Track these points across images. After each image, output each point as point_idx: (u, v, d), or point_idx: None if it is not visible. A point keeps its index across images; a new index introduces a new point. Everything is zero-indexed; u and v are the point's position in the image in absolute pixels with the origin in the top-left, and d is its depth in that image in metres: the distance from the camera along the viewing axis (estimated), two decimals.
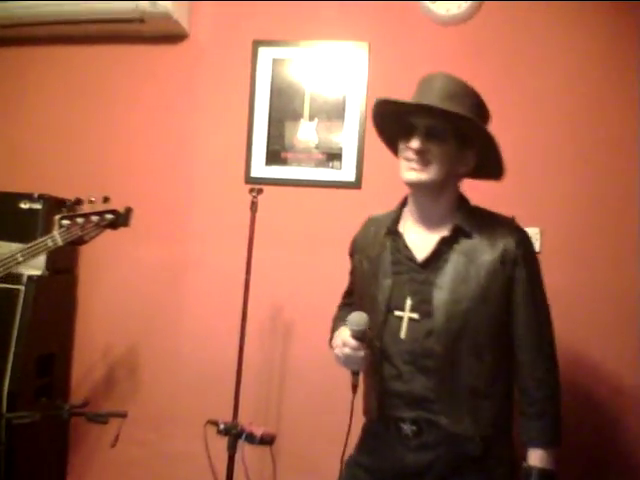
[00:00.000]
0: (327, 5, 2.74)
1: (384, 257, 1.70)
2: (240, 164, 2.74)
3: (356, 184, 2.64)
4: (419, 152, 1.60)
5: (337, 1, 2.72)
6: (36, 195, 2.58)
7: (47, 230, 1.90)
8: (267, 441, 2.13)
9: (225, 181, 2.76)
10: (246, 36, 2.78)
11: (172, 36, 2.84)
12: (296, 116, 2.73)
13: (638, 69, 2.45)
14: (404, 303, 1.62)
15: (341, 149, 2.67)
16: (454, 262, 1.62)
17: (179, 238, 2.79)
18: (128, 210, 1.93)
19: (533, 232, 2.39)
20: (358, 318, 1.56)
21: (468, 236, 1.64)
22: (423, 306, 1.61)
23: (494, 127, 2.73)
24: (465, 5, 2.59)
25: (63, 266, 2.73)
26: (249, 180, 2.70)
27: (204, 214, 2.78)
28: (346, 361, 1.61)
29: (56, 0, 2.71)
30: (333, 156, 2.68)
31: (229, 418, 2.21)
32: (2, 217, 2.57)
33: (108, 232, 2.41)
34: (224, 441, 2.17)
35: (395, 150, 1.72)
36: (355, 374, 1.60)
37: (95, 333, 2.80)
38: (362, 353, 1.58)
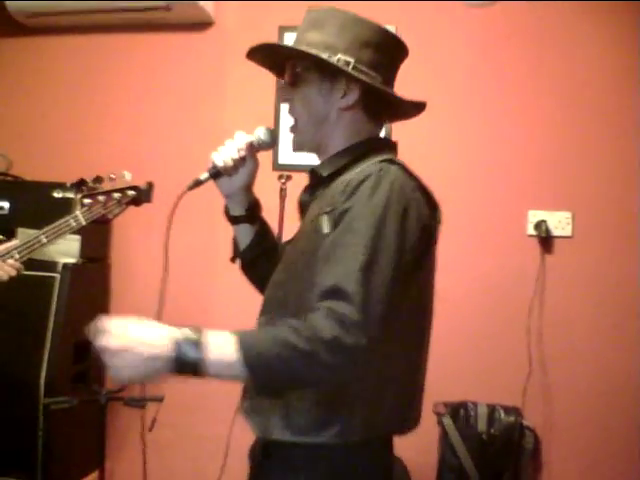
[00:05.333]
0: None
1: None
2: (268, 151, 2.74)
3: None
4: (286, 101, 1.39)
5: None
6: (69, 184, 2.60)
7: None
8: None
9: None
10: (272, 22, 2.77)
11: (198, 23, 2.85)
12: None
13: None
14: None
15: None
16: (305, 220, 1.32)
17: (209, 226, 2.79)
18: (150, 185, 1.84)
19: (564, 216, 2.35)
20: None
21: (326, 183, 1.31)
22: None
23: (528, 108, 2.68)
24: None
25: (96, 254, 2.78)
26: (277, 167, 2.70)
27: None
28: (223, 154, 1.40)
29: None
30: None
31: None
32: (35, 206, 2.56)
33: (140, 221, 2.45)
34: None
35: None
36: (214, 175, 1.44)
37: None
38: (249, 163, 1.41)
